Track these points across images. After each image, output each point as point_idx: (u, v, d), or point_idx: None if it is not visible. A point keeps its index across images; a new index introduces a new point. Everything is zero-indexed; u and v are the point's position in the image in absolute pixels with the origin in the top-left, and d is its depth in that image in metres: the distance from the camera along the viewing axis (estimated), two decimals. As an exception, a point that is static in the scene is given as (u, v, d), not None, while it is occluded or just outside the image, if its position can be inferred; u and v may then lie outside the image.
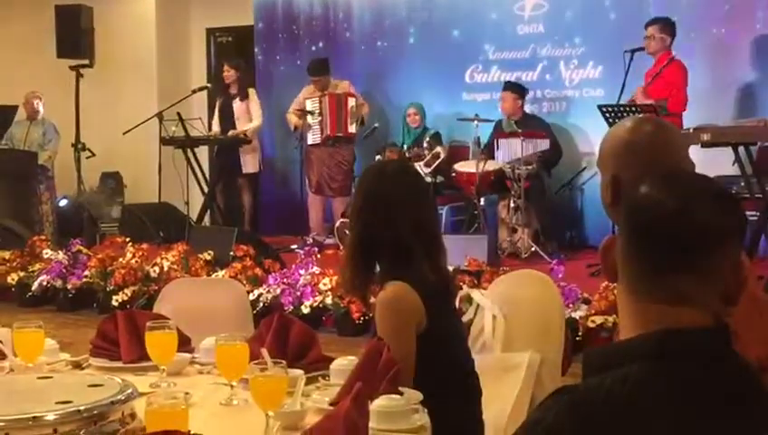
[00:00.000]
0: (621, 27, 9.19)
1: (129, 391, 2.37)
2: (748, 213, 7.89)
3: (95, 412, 2.24)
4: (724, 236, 1.58)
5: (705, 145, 6.72)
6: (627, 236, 1.62)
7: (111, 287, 8.02)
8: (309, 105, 9.90)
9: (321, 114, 9.83)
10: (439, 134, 9.75)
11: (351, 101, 9.88)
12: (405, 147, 9.71)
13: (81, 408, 2.22)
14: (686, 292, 1.56)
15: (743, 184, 7.42)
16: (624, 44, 8.12)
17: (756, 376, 1.61)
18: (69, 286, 8.35)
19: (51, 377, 2.66)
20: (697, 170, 2.33)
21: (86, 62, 10.92)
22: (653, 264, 1.58)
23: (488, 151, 9.04)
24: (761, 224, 6.94)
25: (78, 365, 3.10)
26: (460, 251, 7.16)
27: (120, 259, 8.26)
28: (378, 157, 9.49)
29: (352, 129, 9.89)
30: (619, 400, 1.50)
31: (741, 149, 6.99)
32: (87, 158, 11.00)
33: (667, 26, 8.17)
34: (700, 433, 1.52)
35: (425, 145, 9.45)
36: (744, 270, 1.62)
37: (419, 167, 8.84)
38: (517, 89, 9.37)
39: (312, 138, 9.91)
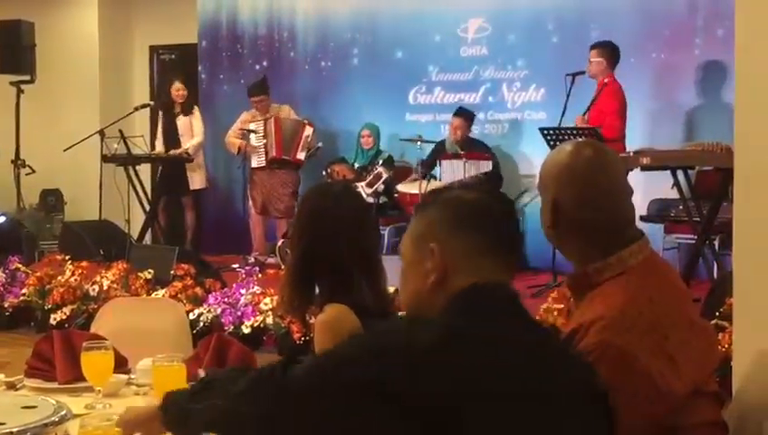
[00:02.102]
0: (564, 51, 9.27)
1: (63, 412, 2.35)
2: (686, 236, 8.02)
3: (28, 434, 2.21)
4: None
5: (644, 168, 6.78)
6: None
7: (50, 306, 7.92)
8: (253, 126, 9.84)
9: (265, 136, 9.78)
10: (392, 157, 9.66)
11: (308, 130, 9.81)
12: (356, 166, 9.71)
13: (15, 430, 2.20)
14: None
15: (681, 207, 7.50)
16: (567, 68, 8.15)
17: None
18: (6, 305, 8.24)
19: (-17, 398, 2.62)
20: (637, 193, 2.37)
21: (27, 77, 10.82)
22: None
23: (429, 170, 9.07)
24: (698, 247, 7.01)
25: (12, 386, 3.05)
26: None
27: (59, 277, 8.16)
28: (324, 172, 9.48)
29: (301, 156, 9.82)
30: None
31: (680, 172, 7.06)
32: (27, 174, 10.89)
33: (607, 50, 8.19)
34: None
35: (377, 167, 9.39)
36: None
37: (361, 187, 8.83)
38: (469, 115, 9.43)
39: (257, 160, 9.83)
